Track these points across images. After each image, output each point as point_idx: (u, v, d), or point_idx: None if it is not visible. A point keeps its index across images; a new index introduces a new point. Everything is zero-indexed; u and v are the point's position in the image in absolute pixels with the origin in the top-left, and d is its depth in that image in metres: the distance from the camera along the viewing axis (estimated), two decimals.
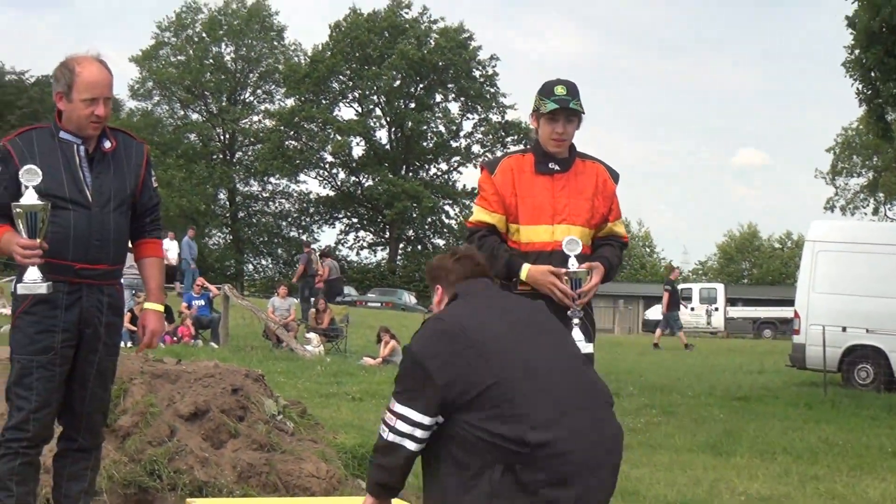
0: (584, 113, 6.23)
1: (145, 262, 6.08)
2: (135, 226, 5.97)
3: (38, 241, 5.39)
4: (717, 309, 56.79)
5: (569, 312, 6.00)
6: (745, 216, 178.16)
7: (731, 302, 60.40)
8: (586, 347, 5.90)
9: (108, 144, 5.78)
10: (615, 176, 6.40)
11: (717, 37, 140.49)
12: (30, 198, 5.38)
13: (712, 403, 16.90)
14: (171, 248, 33.24)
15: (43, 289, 5.40)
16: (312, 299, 28.32)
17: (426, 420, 4.89)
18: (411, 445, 4.93)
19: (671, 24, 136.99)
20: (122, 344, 16.26)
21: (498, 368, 4.79)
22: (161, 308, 6.09)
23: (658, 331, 34.70)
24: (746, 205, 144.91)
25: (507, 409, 4.71)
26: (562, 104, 6.12)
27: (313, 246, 41.76)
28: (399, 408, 4.94)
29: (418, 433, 4.91)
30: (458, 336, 4.89)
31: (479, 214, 6.30)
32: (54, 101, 5.73)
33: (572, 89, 6.19)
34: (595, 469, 4.83)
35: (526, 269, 6.04)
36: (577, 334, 5.94)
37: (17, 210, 5.36)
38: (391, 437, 4.95)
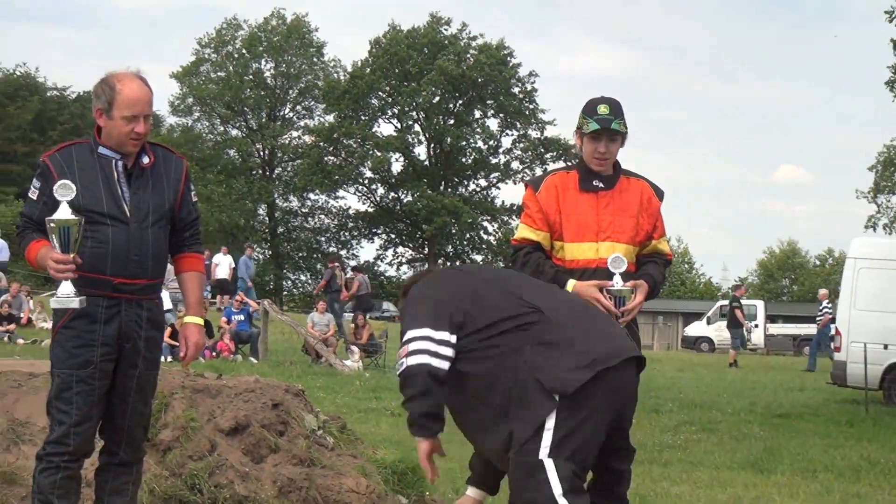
0: (626, 132, 6.21)
1: (185, 276, 6.10)
2: (174, 240, 5.99)
3: (72, 255, 5.41)
4: (756, 326, 56.44)
5: None
6: (785, 233, 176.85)
7: (771, 319, 60.12)
8: None
9: (146, 160, 5.80)
10: (660, 193, 6.38)
11: (757, 54, 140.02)
12: (63, 212, 5.40)
13: (752, 420, 16.82)
14: (222, 263, 33.33)
15: (76, 303, 5.42)
16: (346, 314, 28.37)
17: (438, 334, 5.10)
18: (430, 359, 5.07)
19: (712, 41, 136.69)
20: (163, 358, 16.36)
21: (503, 289, 5.28)
22: (201, 321, 6.12)
23: (732, 351, 34.27)
24: (786, 222, 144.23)
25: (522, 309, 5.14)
26: (603, 124, 6.11)
27: (345, 260, 41.82)
28: (411, 333, 5.15)
29: (433, 347, 5.08)
30: (455, 273, 5.17)
31: (524, 232, 6.30)
32: (95, 118, 5.74)
33: (616, 108, 6.17)
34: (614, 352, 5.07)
35: (572, 284, 6.02)
36: None
37: (51, 224, 5.39)
38: (410, 361, 5.12)
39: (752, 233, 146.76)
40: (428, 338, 5.10)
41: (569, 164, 6.72)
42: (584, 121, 6.19)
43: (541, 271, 6.11)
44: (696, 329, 58.84)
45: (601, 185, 6.18)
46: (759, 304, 59.63)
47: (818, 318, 34.26)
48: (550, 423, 4.92)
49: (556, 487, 4.84)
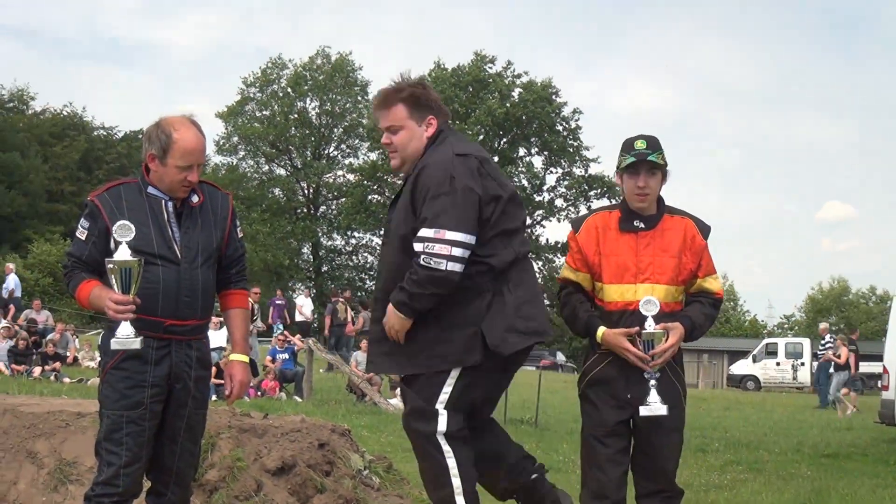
0: (665, 165, 6.15)
1: (231, 312, 6.10)
2: (221, 277, 5.99)
3: (131, 296, 5.41)
4: (803, 364, 56.12)
5: (644, 374, 5.97)
6: (831, 270, 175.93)
7: (817, 357, 59.67)
8: (660, 409, 5.91)
9: (195, 199, 5.81)
10: (705, 230, 6.28)
11: (802, 91, 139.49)
12: (123, 253, 5.40)
13: (800, 460, 16.67)
14: (305, 305, 33.53)
15: (136, 344, 5.41)
16: (344, 350, 28.55)
17: (473, 241, 5.53)
18: (460, 269, 5.53)
19: (755, 77, 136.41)
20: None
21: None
22: (246, 359, 6.12)
23: (853, 394, 33.95)
24: (832, 259, 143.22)
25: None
26: (640, 157, 6.07)
27: (352, 294, 42.21)
28: (461, 236, 5.42)
29: (468, 255, 5.52)
30: (482, 164, 5.65)
31: (566, 272, 6.31)
32: (145, 160, 5.74)
33: (652, 143, 6.13)
34: None
35: (601, 332, 6.03)
36: (652, 396, 5.92)
37: (111, 266, 5.39)
38: (452, 266, 5.46)
39: (797, 270, 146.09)
40: (470, 246, 5.53)
41: (613, 202, 6.70)
42: (622, 158, 6.15)
43: (576, 315, 6.15)
44: (741, 367, 58.48)
45: (642, 225, 6.14)
46: (806, 342, 59.20)
47: (820, 353, 33.97)
48: (454, 375, 5.68)
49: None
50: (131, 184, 5.82)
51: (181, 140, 5.61)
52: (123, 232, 5.44)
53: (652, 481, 6.13)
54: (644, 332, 5.91)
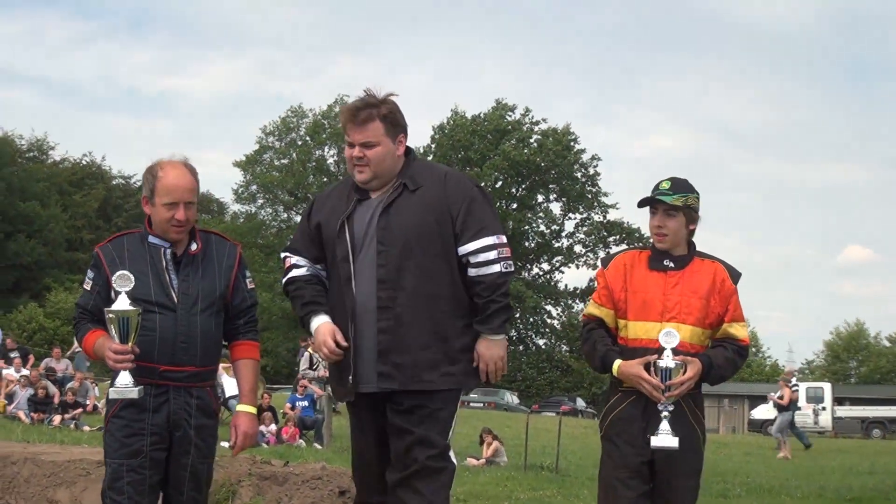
0: (684, 207, 6.11)
1: (239, 363, 6.06)
2: (229, 327, 5.98)
3: (130, 345, 5.43)
4: (824, 408, 55.95)
5: (658, 406, 5.90)
6: (851, 314, 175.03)
7: (838, 401, 59.43)
8: (670, 441, 5.85)
9: (194, 247, 5.82)
10: (735, 276, 6.21)
11: (821, 135, 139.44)
12: (122, 303, 5.42)
13: None
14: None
15: (134, 393, 5.43)
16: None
17: None
18: None
19: (773, 122, 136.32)
20: (224, 444, 16.35)
21: None
22: (254, 410, 6.08)
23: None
24: (853, 303, 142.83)
25: None
26: (654, 195, 6.10)
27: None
28: (502, 238, 5.63)
29: None
30: None
31: (591, 308, 6.28)
32: (142, 206, 5.82)
33: (678, 185, 6.12)
34: None
35: (617, 365, 5.99)
36: (664, 426, 5.86)
37: (110, 315, 5.42)
38: (508, 267, 5.69)
39: (818, 314, 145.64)
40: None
41: (642, 245, 6.71)
42: (645, 198, 6.19)
43: (595, 349, 6.12)
44: (762, 412, 58.19)
45: (671, 264, 6.12)
46: (827, 387, 59.06)
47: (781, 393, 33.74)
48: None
49: None
50: (135, 234, 5.87)
51: (165, 178, 5.65)
52: (122, 282, 5.46)
53: None
54: (661, 361, 5.85)
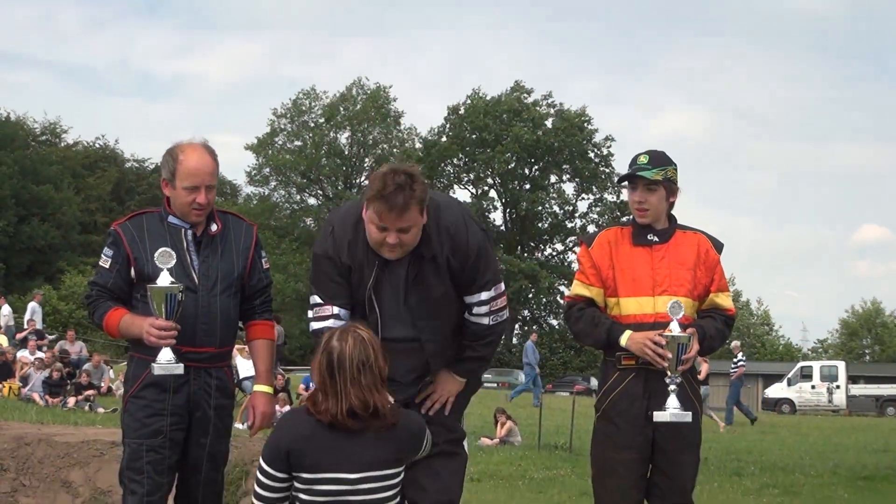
0: (664, 181, 6.06)
1: (255, 343, 6.08)
2: (245, 307, 5.99)
3: (173, 322, 5.43)
4: (838, 387, 55.88)
5: (666, 378, 5.83)
6: (866, 293, 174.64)
7: (852, 380, 59.31)
8: (684, 416, 5.82)
9: (214, 227, 5.82)
10: (718, 246, 6.20)
11: (836, 114, 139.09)
12: (165, 279, 5.40)
13: (836, 483, 16.51)
14: None
15: (180, 369, 5.42)
16: None
17: None
18: None
19: (788, 101, 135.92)
20: (240, 426, 16.37)
21: None
22: (270, 390, 6.10)
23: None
24: (868, 282, 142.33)
25: None
26: (634, 171, 6.06)
27: None
28: (503, 287, 5.62)
29: None
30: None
31: (577, 288, 6.19)
32: (161, 188, 5.79)
33: (656, 158, 6.08)
34: None
35: (626, 336, 5.90)
36: (672, 401, 5.81)
37: (154, 291, 5.40)
38: (505, 316, 5.64)
39: (832, 293, 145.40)
40: None
41: (623, 220, 6.64)
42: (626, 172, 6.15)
43: (596, 323, 6.02)
44: (776, 391, 58.23)
45: (656, 238, 6.07)
46: (841, 365, 58.96)
47: (732, 371, 33.66)
48: None
49: None
50: (153, 213, 5.86)
51: (186, 161, 5.63)
52: (165, 259, 5.43)
53: (668, 502, 6.02)
54: (672, 335, 5.76)
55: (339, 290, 5.50)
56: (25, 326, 31.65)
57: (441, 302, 5.45)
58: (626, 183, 6.17)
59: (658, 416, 5.83)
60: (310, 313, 5.55)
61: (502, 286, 5.63)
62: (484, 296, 5.50)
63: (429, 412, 5.48)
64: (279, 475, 4.64)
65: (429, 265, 5.42)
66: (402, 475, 4.74)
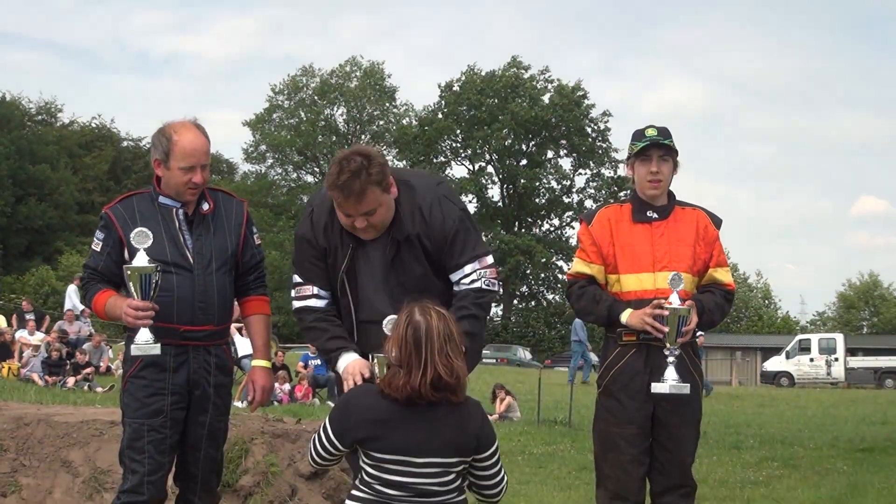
0: (677, 155, 6.13)
1: (251, 319, 6.10)
2: (239, 284, 5.99)
3: (150, 302, 5.41)
4: (836, 359, 55.97)
5: (665, 350, 5.85)
6: (865, 265, 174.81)
7: (850, 352, 59.39)
8: (682, 388, 5.82)
9: (206, 206, 5.82)
10: (717, 221, 6.23)
11: (834, 85, 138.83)
12: (141, 260, 5.39)
13: (835, 455, 16.56)
14: None
15: (156, 349, 5.40)
16: None
17: None
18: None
19: (786, 73, 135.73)
20: (238, 404, 16.40)
21: None
22: (268, 364, 6.12)
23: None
24: (866, 254, 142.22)
25: None
26: (652, 140, 6.05)
27: None
28: (491, 258, 5.64)
29: None
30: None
31: (578, 266, 6.21)
32: (152, 167, 5.76)
33: (663, 131, 6.09)
34: None
35: (627, 313, 5.92)
36: (670, 373, 5.82)
37: (129, 272, 5.38)
38: (497, 286, 5.58)
39: (831, 266, 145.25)
40: None
41: (622, 197, 6.62)
42: (633, 146, 6.12)
43: (597, 301, 6.04)
44: (775, 364, 58.32)
45: (655, 215, 6.10)
46: (839, 337, 59.08)
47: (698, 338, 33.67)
48: None
49: None
50: (144, 194, 5.84)
51: (181, 141, 5.61)
52: (141, 239, 5.41)
53: (669, 476, 6.03)
54: (673, 307, 5.77)
55: (317, 272, 5.58)
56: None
57: (422, 282, 5.42)
58: (632, 157, 6.15)
59: (656, 388, 5.85)
60: (292, 292, 5.62)
61: (489, 259, 5.60)
62: (468, 269, 5.50)
63: None
64: (343, 448, 4.68)
65: (406, 246, 5.43)
66: (461, 471, 4.73)
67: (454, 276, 5.51)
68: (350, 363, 5.30)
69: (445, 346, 4.59)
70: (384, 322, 5.04)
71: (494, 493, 4.88)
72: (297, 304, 5.60)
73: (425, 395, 4.53)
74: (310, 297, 5.57)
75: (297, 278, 5.61)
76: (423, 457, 4.56)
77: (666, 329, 5.78)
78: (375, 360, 5.14)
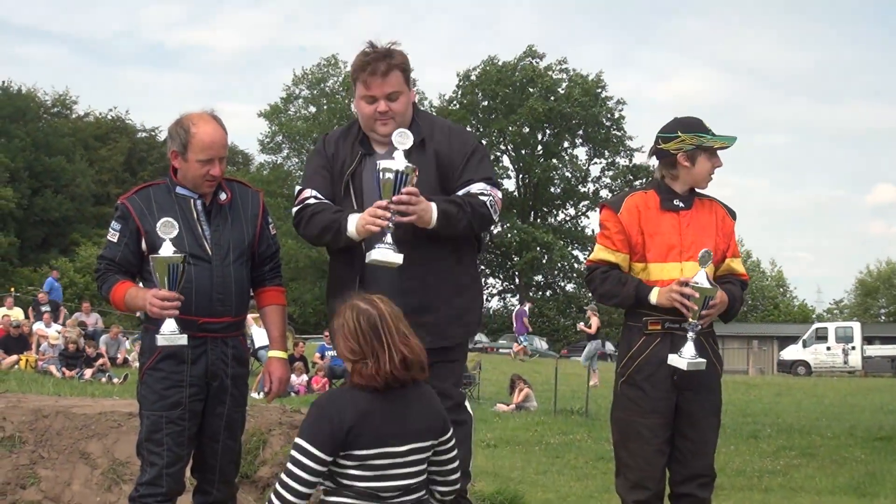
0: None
1: (267, 310, 6.09)
2: (255, 274, 5.98)
3: (176, 292, 5.40)
4: (853, 348, 55.81)
5: (685, 324, 5.81)
6: (882, 253, 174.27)
7: (867, 340, 59.20)
8: (699, 364, 5.78)
9: (223, 196, 5.82)
10: (732, 213, 6.23)
11: (849, 73, 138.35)
12: (167, 250, 5.38)
13: (853, 444, 16.54)
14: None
15: (183, 340, 5.40)
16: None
17: None
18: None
19: (801, 61, 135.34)
20: (255, 395, 16.41)
21: None
22: (285, 355, 6.11)
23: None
24: (883, 242, 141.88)
25: None
26: (732, 142, 6.04)
27: None
28: (496, 190, 5.77)
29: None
30: None
31: (601, 253, 6.12)
32: (169, 158, 5.77)
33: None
34: None
35: (656, 292, 5.85)
36: (689, 348, 5.78)
37: (156, 262, 5.37)
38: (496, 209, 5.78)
39: (847, 254, 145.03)
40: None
41: (644, 184, 6.59)
42: (700, 138, 5.99)
43: (623, 282, 5.98)
44: (791, 353, 58.20)
45: (681, 204, 6.06)
46: (856, 326, 58.84)
47: None
48: None
49: None
50: (160, 185, 5.84)
51: (200, 133, 5.62)
52: (167, 229, 5.40)
53: (689, 466, 5.99)
54: (700, 286, 5.71)
55: (319, 179, 5.76)
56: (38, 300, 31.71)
57: (424, 192, 5.43)
58: (697, 149, 6.04)
59: (672, 360, 5.81)
60: (294, 208, 5.78)
61: (499, 192, 5.75)
62: (480, 185, 5.63)
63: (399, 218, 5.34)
64: (326, 458, 4.48)
65: (416, 153, 5.50)
66: (430, 453, 4.71)
67: (462, 190, 5.62)
68: (358, 217, 5.39)
69: (400, 325, 4.59)
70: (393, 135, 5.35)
71: (456, 477, 4.83)
72: (295, 209, 5.74)
73: (399, 376, 4.52)
74: (308, 198, 5.70)
75: (297, 189, 5.79)
76: (405, 444, 4.53)
77: (695, 308, 5.73)
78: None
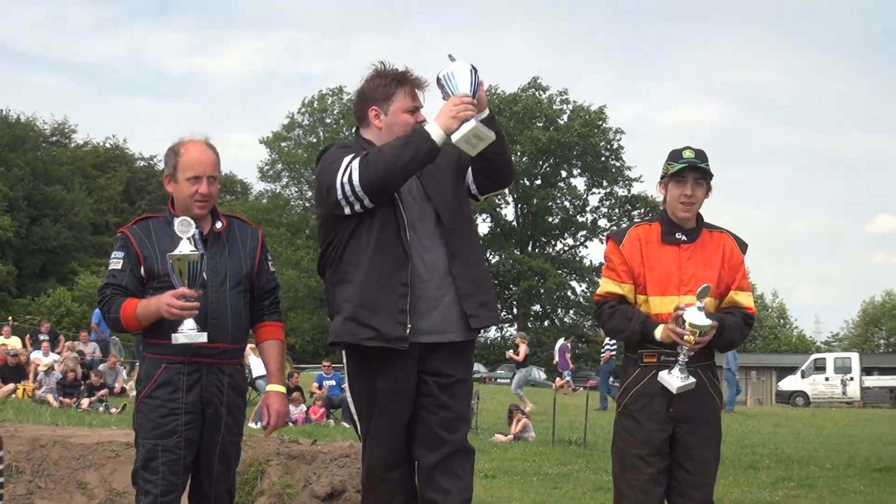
0: (712, 175, 6.11)
1: (265, 344, 6.10)
2: (254, 309, 5.99)
3: (196, 290, 5.45)
4: (852, 378, 55.78)
5: (678, 349, 5.84)
6: (881, 284, 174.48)
7: (866, 371, 59.16)
8: (688, 385, 5.84)
9: (219, 225, 5.86)
10: (743, 246, 6.24)
11: (850, 103, 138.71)
12: (185, 248, 5.44)
13: (852, 475, 16.48)
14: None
15: (202, 337, 5.44)
16: None
17: None
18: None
19: (801, 91, 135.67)
20: (253, 425, 16.38)
21: None
22: (283, 389, 6.12)
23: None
24: (883, 272, 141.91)
25: None
26: (690, 163, 6.03)
27: None
28: None
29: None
30: None
31: (608, 286, 6.18)
32: (165, 187, 5.87)
33: (700, 154, 6.08)
34: None
35: (661, 330, 5.90)
36: (675, 372, 5.85)
37: (175, 261, 5.42)
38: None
39: (847, 284, 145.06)
40: None
41: (651, 216, 6.62)
42: (669, 166, 6.10)
43: (630, 318, 6.01)
44: (790, 383, 58.17)
45: (684, 237, 6.10)
46: (855, 357, 58.82)
47: (601, 355, 33.71)
48: None
49: None
50: (159, 218, 5.90)
51: (187, 153, 5.72)
52: (184, 227, 5.47)
53: (687, 498, 6.02)
54: (697, 324, 5.76)
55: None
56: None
57: (452, 190, 5.83)
58: (667, 177, 6.13)
59: (662, 378, 5.88)
60: (336, 177, 5.57)
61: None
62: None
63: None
64: None
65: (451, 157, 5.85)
66: None
67: None
68: (439, 120, 5.53)
69: None
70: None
71: None
72: (356, 161, 5.53)
73: None
74: (357, 155, 5.60)
75: (334, 165, 5.60)
76: None
77: (691, 341, 5.77)
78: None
